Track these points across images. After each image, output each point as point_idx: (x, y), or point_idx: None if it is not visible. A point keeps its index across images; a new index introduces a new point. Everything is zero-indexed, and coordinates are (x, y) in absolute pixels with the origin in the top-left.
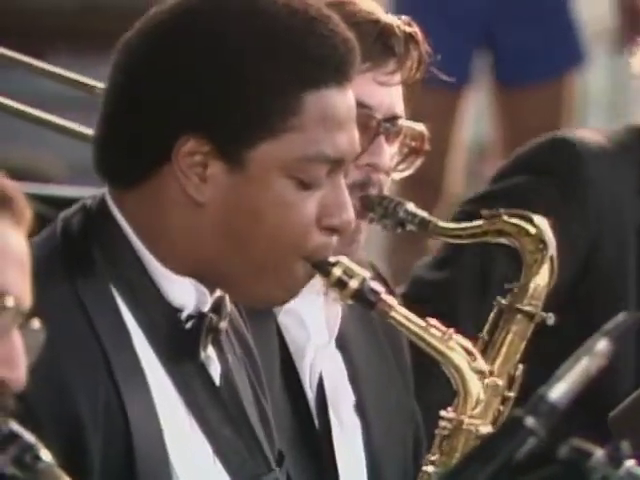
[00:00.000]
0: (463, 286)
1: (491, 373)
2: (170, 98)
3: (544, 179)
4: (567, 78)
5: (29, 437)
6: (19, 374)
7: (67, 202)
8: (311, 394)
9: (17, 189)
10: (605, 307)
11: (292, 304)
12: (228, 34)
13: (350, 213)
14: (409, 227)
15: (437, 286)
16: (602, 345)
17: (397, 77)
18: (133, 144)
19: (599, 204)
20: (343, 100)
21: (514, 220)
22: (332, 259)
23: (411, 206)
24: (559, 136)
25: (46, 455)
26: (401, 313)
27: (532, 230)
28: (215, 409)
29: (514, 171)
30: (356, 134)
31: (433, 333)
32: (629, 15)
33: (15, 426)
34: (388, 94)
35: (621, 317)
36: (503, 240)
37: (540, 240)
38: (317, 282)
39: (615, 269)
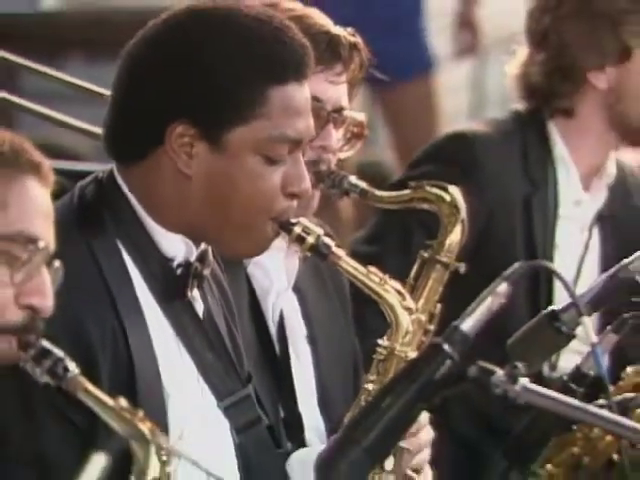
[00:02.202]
0: (388, 256)
1: (416, 310)
2: (163, 93)
3: (447, 166)
4: (429, 78)
5: (59, 352)
6: (48, 302)
7: (83, 174)
8: (273, 328)
9: (43, 158)
10: (501, 264)
11: (259, 257)
12: (208, 41)
13: (307, 183)
14: (352, 195)
15: (369, 258)
16: (502, 287)
17: (343, 77)
18: (134, 129)
19: (491, 183)
20: (301, 94)
21: (434, 190)
22: (293, 220)
23: (353, 178)
24: (458, 131)
25: (72, 366)
26: (348, 262)
27: (448, 198)
28: (199, 338)
29: (425, 160)
30: (311, 121)
31: (372, 278)
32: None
33: (47, 343)
34: (336, 91)
35: (516, 266)
36: (425, 206)
37: (454, 206)
38: (279, 241)
39: (506, 235)
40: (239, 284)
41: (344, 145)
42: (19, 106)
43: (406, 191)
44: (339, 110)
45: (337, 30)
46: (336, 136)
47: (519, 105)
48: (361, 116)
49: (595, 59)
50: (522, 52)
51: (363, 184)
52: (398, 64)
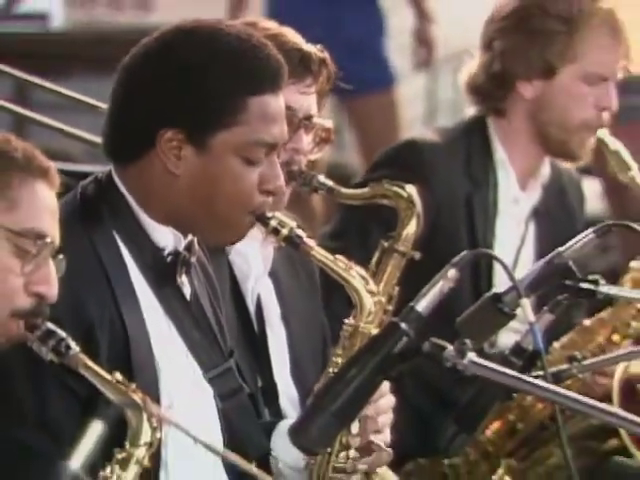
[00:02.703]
0: (351, 249)
1: (378, 293)
2: (153, 103)
3: (400, 169)
4: (390, 90)
5: (62, 333)
6: (54, 290)
7: (84, 175)
8: (252, 309)
9: (51, 163)
10: (449, 253)
11: (239, 247)
12: (194, 57)
13: (282, 181)
14: (320, 192)
15: (334, 252)
16: (451, 273)
17: (313, 88)
18: (129, 134)
19: (438, 183)
20: (276, 103)
21: (393, 187)
22: (269, 214)
23: (322, 177)
24: (410, 138)
25: (74, 345)
26: (318, 251)
27: (405, 194)
28: (187, 318)
29: (382, 164)
30: (285, 127)
31: (339, 265)
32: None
33: (51, 325)
34: (306, 100)
35: (463, 254)
36: (385, 201)
37: (410, 201)
38: (256, 232)
39: (452, 228)
40: (222, 270)
41: (314, 148)
42: (26, 117)
43: (368, 189)
44: (309, 117)
45: (308, 47)
46: (306, 140)
47: (467, 113)
48: (329, 123)
49: (523, 70)
50: (474, 62)
51: (330, 182)
52: (362, 78)
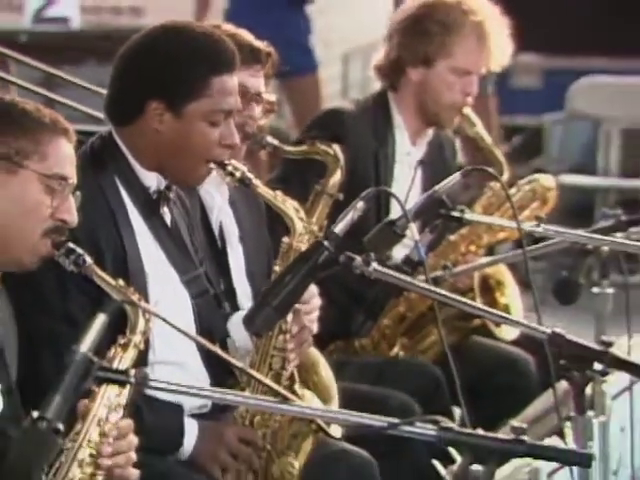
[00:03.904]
0: (291, 193)
1: (311, 224)
2: (142, 82)
3: (325, 130)
4: (315, 74)
5: (80, 250)
6: (74, 217)
7: (92, 134)
8: (217, 232)
9: (69, 124)
10: (361, 192)
11: (206, 186)
12: (171, 48)
13: (237, 138)
14: (268, 149)
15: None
16: (360, 204)
17: (261, 73)
18: (125, 105)
19: (353, 142)
20: (232, 81)
21: (322, 146)
22: (227, 162)
23: (269, 138)
24: (333, 107)
25: (88, 259)
26: (263, 189)
27: (331, 151)
28: (168, 238)
29: (313, 127)
30: (239, 99)
31: (278, 199)
32: None
33: (72, 244)
34: (256, 81)
35: (368, 190)
36: (317, 156)
37: (335, 157)
38: (217, 176)
39: (364, 174)
40: (194, 203)
41: (262, 116)
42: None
43: (304, 146)
44: (259, 94)
45: (257, 43)
46: (257, 110)
47: (373, 89)
48: (273, 97)
49: (411, 59)
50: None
51: (276, 141)
52: (296, 65)
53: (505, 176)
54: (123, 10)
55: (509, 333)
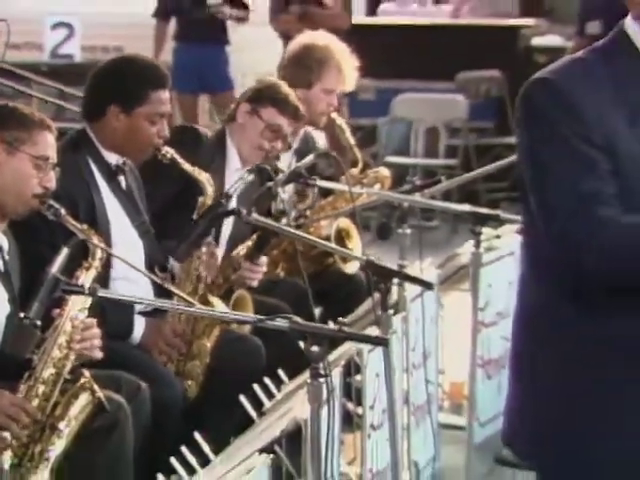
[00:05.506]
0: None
1: (216, 190)
2: (105, 91)
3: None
4: (232, 91)
5: (57, 205)
6: (53, 185)
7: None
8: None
9: (49, 120)
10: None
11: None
12: (126, 70)
13: (167, 133)
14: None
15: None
16: (248, 175)
17: (293, 124)
18: (93, 108)
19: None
20: (165, 94)
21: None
22: (162, 148)
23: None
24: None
25: (64, 212)
26: (186, 165)
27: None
28: (123, 197)
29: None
30: (169, 105)
31: (195, 171)
32: None
33: (52, 202)
34: (289, 129)
35: (253, 165)
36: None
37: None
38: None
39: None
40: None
41: (281, 148)
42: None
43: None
44: (286, 136)
45: (301, 106)
46: (280, 145)
47: None
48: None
49: (299, 82)
50: None
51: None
52: (220, 85)
53: (360, 164)
54: (110, 49)
55: (351, 267)
